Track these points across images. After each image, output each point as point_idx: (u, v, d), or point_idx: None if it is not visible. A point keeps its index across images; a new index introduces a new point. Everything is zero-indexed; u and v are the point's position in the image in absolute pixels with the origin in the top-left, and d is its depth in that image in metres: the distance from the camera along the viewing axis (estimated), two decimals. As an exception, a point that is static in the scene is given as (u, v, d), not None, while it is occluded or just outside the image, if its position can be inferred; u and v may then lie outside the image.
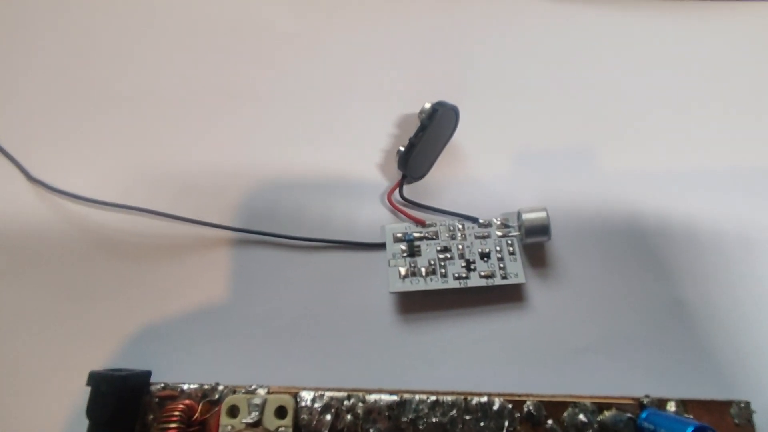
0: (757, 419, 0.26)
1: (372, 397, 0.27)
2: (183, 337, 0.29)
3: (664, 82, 0.35)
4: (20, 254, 0.30)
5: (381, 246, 0.30)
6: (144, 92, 0.35)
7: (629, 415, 0.25)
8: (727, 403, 0.27)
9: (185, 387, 0.27)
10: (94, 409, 0.24)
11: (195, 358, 0.28)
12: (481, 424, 0.26)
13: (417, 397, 0.27)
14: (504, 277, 0.28)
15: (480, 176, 0.32)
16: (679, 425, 0.23)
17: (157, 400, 0.26)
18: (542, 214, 0.28)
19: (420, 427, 0.26)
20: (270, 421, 0.25)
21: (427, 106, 0.30)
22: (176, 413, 0.24)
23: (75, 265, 0.30)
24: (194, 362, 0.28)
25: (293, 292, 0.29)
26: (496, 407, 0.26)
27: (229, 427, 0.24)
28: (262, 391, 0.26)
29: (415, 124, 0.31)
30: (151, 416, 0.26)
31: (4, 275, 0.30)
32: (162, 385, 0.26)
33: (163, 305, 0.29)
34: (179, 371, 0.27)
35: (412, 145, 0.29)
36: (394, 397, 0.26)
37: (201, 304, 0.29)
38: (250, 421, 0.24)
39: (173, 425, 0.24)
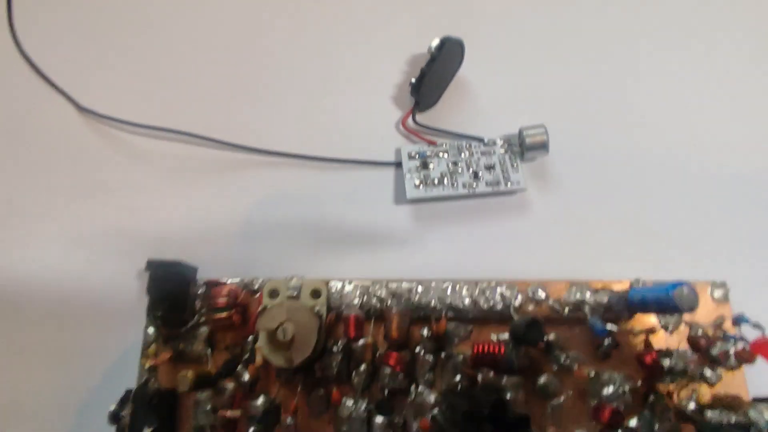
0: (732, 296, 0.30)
1: (393, 284, 0.30)
2: (222, 242, 0.32)
3: (667, 7, 0.39)
4: (79, 179, 0.34)
5: (398, 165, 0.34)
6: (182, 24, 0.39)
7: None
8: (708, 283, 0.31)
9: (227, 281, 0.31)
10: (152, 289, 0.28)
11: (233, 259, 0.31)
12: (491, 302, 0.30)
13: (433, 283, 0.30)
14: (508, 185, 0.32)
15: (485, 104, 0.35)
16: (661, 288, 0.26)
17: (204, 288, 0.30)
18: (541, 130, 0.32)
19: (438, 307, 0.30)
20: (306, 300, 0.29)
21: (436, 40, 0.34)
22: (224, 293, 0.28)
23: (125, 183, 0.34)
24: (233, 263, 0.31)
25: (318, 205, 0.33)
26: (503, 289, 0.30)
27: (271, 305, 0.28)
28: (297, 280, 0.30)
29: (426, 62, 0.35)
30: (199, 303, 0.30)
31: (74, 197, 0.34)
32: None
33: (204, 216, 0.33)
34: (221, 271, 0.31)
35: (423, 74, 0.33)
36: (413, 284, 0.30)
37: (235, 214, 0.33)
38: (291, 294, 0.28)
39: (224, 300, 0.27)
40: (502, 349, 0.27)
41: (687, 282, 0.25)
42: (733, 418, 0.26)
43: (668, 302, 0.26)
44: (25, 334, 0.31)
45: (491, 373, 0.27)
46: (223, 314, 0.27)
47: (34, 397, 0.29)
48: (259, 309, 0.28)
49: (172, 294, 0.28)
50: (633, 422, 0.27)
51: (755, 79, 0.36)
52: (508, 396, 0.27)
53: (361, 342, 0.29)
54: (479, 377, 0.27)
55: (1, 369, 0.30)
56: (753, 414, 0.26)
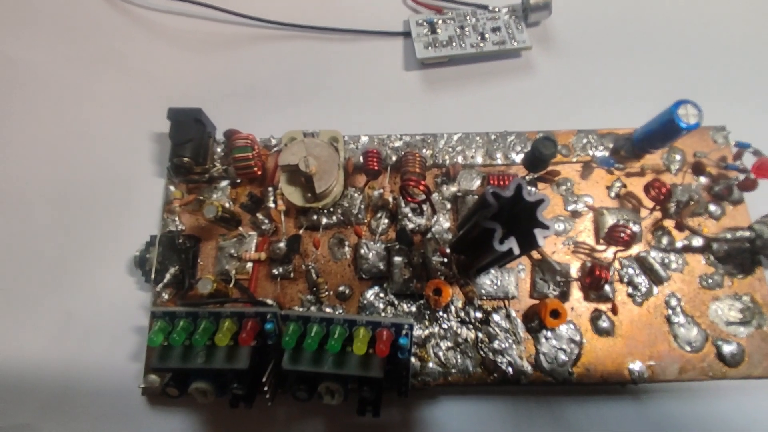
0: (732, 138, 0.31)
1: (407, 137, 0.31)
2: (238, 106, 0.33)
3: None
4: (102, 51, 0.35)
5: (407, 35, 0.34)
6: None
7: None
8: (709, 128, 0.32)
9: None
10: (174, 134, 0.28)
11: (249, 122, 0.32)
12: (501, 146, 0.31)
13: (446, 135, 0.31)
14: (514, 43, 0.33)
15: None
16: (664, 112, 0.27)
17: (223, 138, 0.30)
18: (544, -11, 0.33)
19: (446, 158, 0.30)
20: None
21: None
22: (243, 137, 0.28)
23: (148, 54, 0.35)
24: (249, 125, 0.32)
25: (332, 73, 0.34)
26: (512, 138, 0.31)
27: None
28: (314, 131, 0.30)
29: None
30: (219, 149, 0.30)
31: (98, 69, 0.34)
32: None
33: (221, 84, 0.33)
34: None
35: (428, -57, 0.34)
36: (426, 136, 0.31)
37: (252, 82, 0.34)
38: (309, 133, 0.28)
39: (246, 141, 0.28)
40: (509, 182, 0.28)
41: (689, 100, 0.26)
42: (738, 233, 0.27)
43: (672, 122, 0.27)
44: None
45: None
46: (247, 153, 0.28)
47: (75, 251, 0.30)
48: (280, 148, 0.29)
49: (194, 138, 0.28)
50: (645, 252, 0.29)
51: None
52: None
53: (378, 192, 0.30)
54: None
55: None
56: (757, 226, 0.27)
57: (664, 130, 0.28)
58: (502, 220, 0.22)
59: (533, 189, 0.30)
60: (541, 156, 0.27)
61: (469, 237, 0.25)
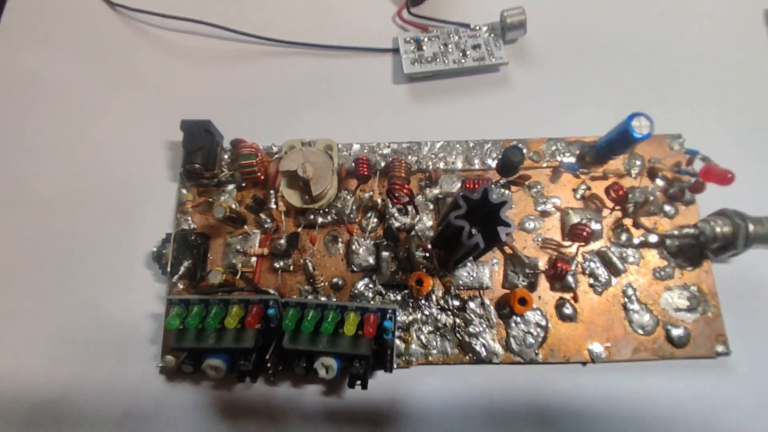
0: (686, 145, 0.34)
1: (395, 144, 0.35)
2: (242, 117, 0.36)
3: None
4: (114, 66, 0.38)
5: (395, 51, 0.38)
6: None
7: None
8: (666, 136, 0.35)
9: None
10: (187, 143, 0.32)
11: (252, 131, 0.35)
12: (479, 153, 0.34)
13: (429, 142, 0.35)
14: (492, 59, 0.36)
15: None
16: (621, 124, 0.31)
17: (230, 146, 0.34)
18: (519, 11, 0.36)
19: (429, 164, 0.34)
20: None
21: (425, -62, 0.38)
22: (248, 145, 0.32)
23: (161, 70, 0.38)
24: (252, 134, 0.35)
25: (327, 86, 0.37)
26: (488, 145, 0.35)
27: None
28: (310, 140, 0.34)
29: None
30: (226, 156, 0.34)
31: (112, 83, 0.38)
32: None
33: (225, 96, 0.37)
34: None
35: (415, -33, 0.37)
36: (412, 144, 0.35)
37: (253, 94, 0.37)
38: (307, 141, 0.32)
39: (250, 150, 0.31)
40: (489, 184, 0.31)
41: (642, 113, 0.30)
42: (685, 230, 0.31)
43: (627, 133, 0.30)
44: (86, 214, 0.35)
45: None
46: (251, 161, 0.31)
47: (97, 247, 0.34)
48: (281, 156, 0.32)
49: (204, 147, 0.32)
50: (605, 247, 0.32)
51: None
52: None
53: (367, 194, 0.33)
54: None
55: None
56: (701, 224, 0.31)
57: (621, 140, 0.31)
58: (474, 219, 0.26)
59: (506, 192, 0.34)
60: (510, 163, 0.30)
61: (445, 234, 0.28)
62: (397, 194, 0.30)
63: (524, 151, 0.35)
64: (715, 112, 0.36)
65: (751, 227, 0.29)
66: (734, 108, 0.37)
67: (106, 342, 0.32)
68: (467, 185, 0.32)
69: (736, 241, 0.29)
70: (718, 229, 0.30)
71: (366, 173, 0.32)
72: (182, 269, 0.30)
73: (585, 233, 0.30)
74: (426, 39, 0.38)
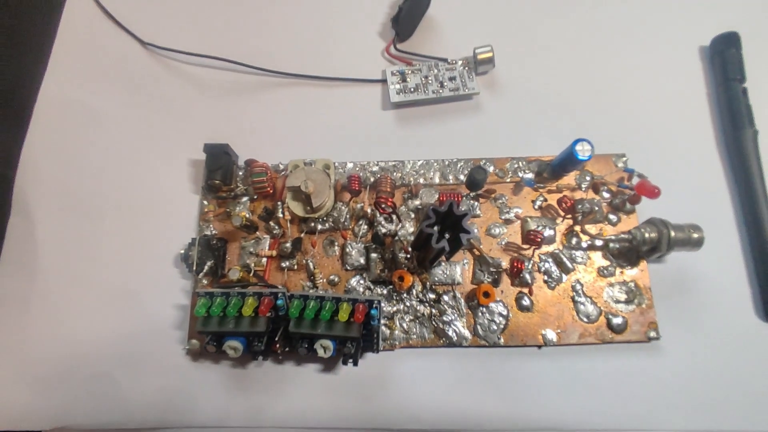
0: (629, 163, 0.40)
1: (383, 162, 0.41)
2: (254, 140, 0.43)
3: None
4: (147, 97, 0.45)
5: (384, 82, 0.44)
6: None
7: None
8: (611, 155, 0.41)
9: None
10: (209, 162, 0.38)
11: (263, 151, 0.42)
12: (453, 170, 0.40)
13: (411, 161, 0.41)
14: (465, 90, 0.42)
15: (449, 34, 0.46)
16: (568, 147, 0.37)
17: (244, 165, 0.40)
18: (488, 48, 0.43)
19: (411, 179, 0.40)
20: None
21: (411, -16, 0.44)
22: (260, 164, 0.38)
23: (186, 100, 0.45)
24: (263, 154, 0.42)
25: (324, 112, 0.44)
26: (461, 163, 0.41)
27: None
28: (311, 160, 0.40)
29: (402, 1, 0.45)
30: (241, 173, 0.40)
31: (148, 111, 0.44)
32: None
33: (239, 123, 0.43)
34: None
35: (400, 10, 0.43)
36: (397, 162, 0.41)
37: (262, 120, 0.43)
38: (308, 161, 0.38)
39: (261, 168, 0.38)
40: (460, 198, 0.37)
41: (585, 138, 0.36)
42: (620, 236, 0.37)
43: (572, 155, 0.36)
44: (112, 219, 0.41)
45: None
46: (262, 178, 0.38)
47: (134, 249, 0.40)
48: (287, 174, 0.39)
49: (223, 166, 0.38)
50: (557, 249, 0.38)
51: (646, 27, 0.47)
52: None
53: (359, 205, 0.39)
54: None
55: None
56: (634, 231, 0.37)
57: (568, 160, 0.37)
58: (443, 227, 0.32)
59: (475, 203, 0.40)
60: (475, 180, 0.37)
61: (420, 239, 0.34)
62: (383, 205, 0.37)
63: (491, 168, 0.41)
64: (655, 135, 0.43)
65: (672, 233, 0.35)
66: (669, 132, 0.43)
67: (142, 327, 0.38)
68: (441, 198, 0.38)
69: (660, 244, 0.35)
70: (647, 235, 0.36)
71: (357, 188, 0.38)
72: (206, 268, 0.37)
73: (538, 238, 0.36)
74: (410, 72, 0.44)
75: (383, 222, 0.39)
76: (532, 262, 0.38)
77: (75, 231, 0.41)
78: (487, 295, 0.36)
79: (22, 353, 0.38)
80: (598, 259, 0.39)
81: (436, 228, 0.32)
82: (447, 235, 0.31)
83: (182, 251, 0.38)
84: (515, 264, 0.37)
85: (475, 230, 0.39)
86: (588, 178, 0.41)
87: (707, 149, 0.43)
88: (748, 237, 0.40)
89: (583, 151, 0.37)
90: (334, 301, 0.35)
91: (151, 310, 0.39)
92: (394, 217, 0.39)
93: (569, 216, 0.39)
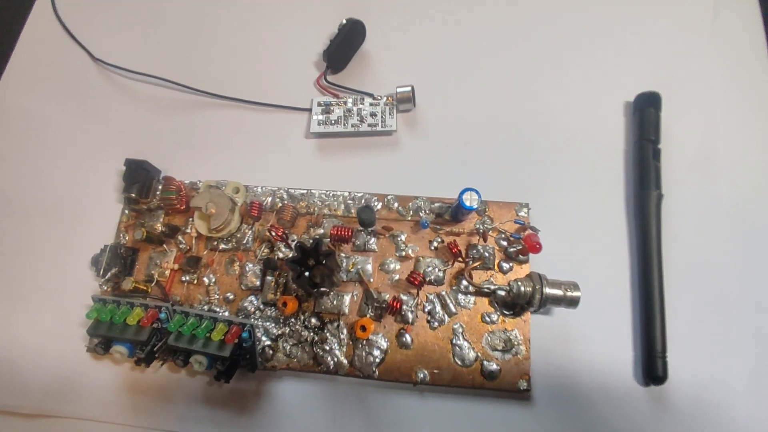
0: (536, 213, 0.41)
1: (292, 190, 0.43)
2: (180, 157, 0.45)
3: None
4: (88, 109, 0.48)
5: (311, 110, 0.46)
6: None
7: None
8: (514, 204, 0.42)
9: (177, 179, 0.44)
10: (127, 177, 0.41)
11: (186, 168, 0.44)
12: (356, 203, 0.42)
13: (317, 191, 0.43)
14: (383, 126, 0.44)
15: (380, 70, 0.48)
16: (458, 195, 0.38)
17: (162, 180, 0.43)
18: (408, 89, 0.44)
19: (316, 208, 0.42)
20: (228, 193, 0.41)
21: (343, 20, 0.46)
22: (174, 183, 0.41)
23: (123, 113, 0.48)
24: (185, 171, 0.44)
25: (250, 135, 0.46)
26: (374, 200, 0.42)
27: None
28: (224, 181, 0.42)
29: (335, 35, 0.47)
30: (160, 187, 0.43)
31: (87, 122, 0.47)
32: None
33: (170, 139, 0.46)
34: (177, 174, 0.44)
35: (331, 44, 0.45)
36: (305, 190, 0.43)
37: (191, 139, 0.46)
38: (216, 185, 0.41)
39: (173, 187, 0.40)
40: (350, 232, 0.39)
41: (473, 188, 0.37)
42: (498, 286, 0.38)
43: (460, 204, 0.37)
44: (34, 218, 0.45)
45: (342, 246, 0.40)
46: (171, 196, 0.40)
47: (55, 249, 0.44)
48: (193, 195, 0.41)
49: (140, 181, 0.41)
50: (444, 291, 0.39)
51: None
52: (360, 267, 0.40)
53: (264, 228, 0.42)
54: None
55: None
56: (512, 283, 0.37)
57: (458, 208, 0.38)
58: (316, 261, 0.34)
59: (372, 239, 0.41)
60: (361, 219, 0.38)
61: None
62: (273, 233, 0.39)
63: (395, 205, 0.42)
64: (567, 185, 0.43)
65: (546, 290, 0.36)
66: (582, 184, 0.43)
67: (51, 324, 0.41)
68: (332, 231, 0.39)
69: (533, 299, 0.36)
70: (522, 288, 0.37)
71: (256, 214, 0.40)
72: (109, 274, 0.40)
73: (417, 281, 0.38)
74: (335, 104, 0.46)
75: (283, 247, 0.41)
76: (417, 300, 0.40)
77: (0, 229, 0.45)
78: (363, 329, 0.38)
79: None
80: (484, 305, 0.40)
81: (298, 267, 0.34)
82: (307, 273, 0.33)
83: (93, 255, 0.41)
84: (394, 302, 0.38)
85: (368, 265, 0.41)
86: (489, 223, 0.42)
87: (615, 206, 0.43)
88: (639, 300, 0.40)
89: (470, 200, 0.38)
90: (212, 320, 0.37)
91: (62, 308, 0.42)
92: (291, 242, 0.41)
93: (460, 259, 0.40)
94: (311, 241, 0.35)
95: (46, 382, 0.40)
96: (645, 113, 0.43)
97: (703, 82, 0.46)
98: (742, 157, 0.44)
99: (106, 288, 0.40)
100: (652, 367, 0.37)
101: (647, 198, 0.41)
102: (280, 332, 0.40)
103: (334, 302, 0.40)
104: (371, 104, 0.46)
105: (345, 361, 0.39)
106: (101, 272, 0.40)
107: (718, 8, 0.49)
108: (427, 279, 0.40)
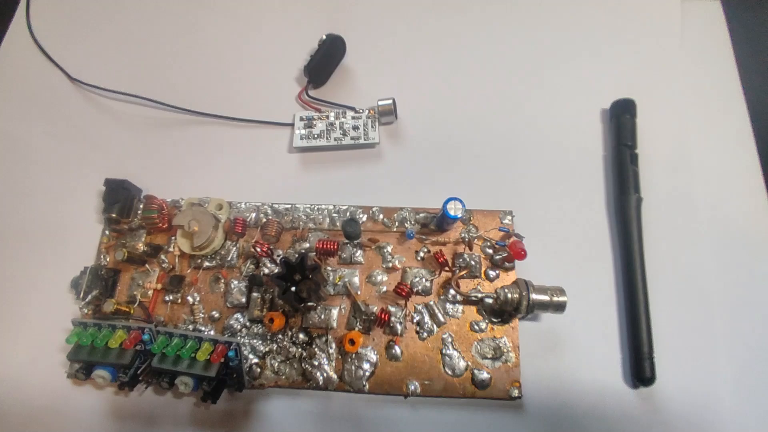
0: (519, 220, 0.41)
1: (277, 205, 0.43)
2: (162, 174, 0.45)
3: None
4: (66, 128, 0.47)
5: (293, 125, 0.46)
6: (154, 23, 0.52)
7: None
8: (498, 212, 0.42)
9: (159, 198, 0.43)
10: (106, 197, 0.40)
11: (167, 186, 0.44)
12: (341, 216, 0.42)
13: (302, 205, 0.43)
14: (366, 139, 0.44)
15: (361, 84, 0.48)
16: (443, 205, 0.38)
17: (144, 199, 0.42)
18: (389, 102, 0.44)
19: (301, 223, 0.42)
20: (211, 210, 0.41)
21: (323, 36, 0.46)
22: (156, 202, 0.40)
23: (102, 133, 0.47)
24: (166, 188, 0.44)
25: (232, 150, 0.46)
26: (359, 212, 0.42)
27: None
28: (207, 198, 0.42)
29: (315, 50, 0.47)
30: (141, 205, 0.42)
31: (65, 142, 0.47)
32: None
33: (152, 157, 0.46)
34: (159, 193, 0.44)
35: (312, 59, 0.46)
36: (289, 205, 0.42)
37: (173, 154, 0.46)
38: (198, 203, 0.40)
39: (155, 206, 0.40)
40: (336, 245, 0.39)
41: (457, 197, 0.37)
42: (485, 294, 0.38)
43: (444, 214, 0.37)
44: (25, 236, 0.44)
45: (328, 259, 0.40)
46: (153, 215, 0.40)
47: (35, 272, 0.43)
48: (175, 213, 0.41)
49: (121, 201, 0.41)
50: (432, 301, 0.39)
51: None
52: (346, 280, 0.39)
53: (249, 245, 0.41)
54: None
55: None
56: (498, 290, 0.38)
57: (442, 217, 0.39)
58: (302, 275, 0.34)
59: (358, 251, 0.41)
60: (345, 233, 0.38)
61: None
62: (258, 249, 0.38)
63: (380, 217, 0.42)
64: (549, 192, 0.44)
65: (533, 296, 0.36)
66: (563, 191, 0.44)
67: (30, 349, 0.40)
68: (317, 245, 0.39)
69: (520, 306, 0.36)
70: (509, 295, 0.37)
71: (241, 231, 0.40)
72: (89, 297, 0.39)
73: (404, 292, 0.38)
74: (317, 118, 0.46)
75: (268, 263, 0.41)
76: (406, 312, 0.39)
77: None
78: (352, 342, 0.37)
79: None
80: (472, 313, 0.40)
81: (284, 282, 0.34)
82: (293, 288, 0.33)
83: (73, 277, 0.40)
84: (382, 314, 0.38)
85: (355, 278, 0.41)
86: (474, 232, 0.42)
87: (596, 211, 0.43)
88: (624, 303, 0.40)
89: (454, 209, 0.38)
90: (197, 340, 0.36)
91: (40, 333, 0.41)
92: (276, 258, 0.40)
93: (447, 269, 0.40)
94: (297, 255, 0.35)
95: (25, 414, 0.38)
96: (621, 119, 0.44)
97: (674, 88, 0.48)
98: (715, 156, 0.45)
99: (86, 311, 0.39)
100: (640, 368, 0.38)
101: (627, 201, 0.42)
102: (267, 349, 0.39)
103: (322, 316, 0.40)
104: (353, 117, 0.46)
105: (335, 376, 0.38)
106: (81, 295, 0.39)
107: (686, 17, 0.51)
108: (415, 289, 0.40)
